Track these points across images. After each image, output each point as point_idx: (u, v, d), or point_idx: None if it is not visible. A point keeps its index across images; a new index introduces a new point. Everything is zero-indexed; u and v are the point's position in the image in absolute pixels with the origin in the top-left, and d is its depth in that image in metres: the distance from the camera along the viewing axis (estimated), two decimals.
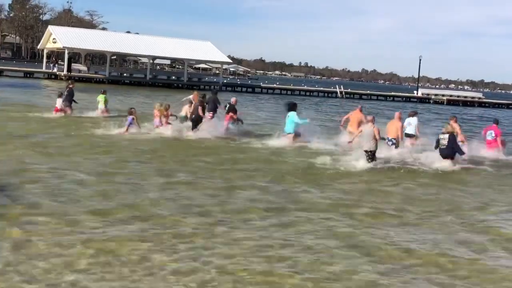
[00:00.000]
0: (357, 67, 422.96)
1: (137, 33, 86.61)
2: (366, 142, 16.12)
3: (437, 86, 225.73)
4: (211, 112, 20.98)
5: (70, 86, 24.18)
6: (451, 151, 16.48)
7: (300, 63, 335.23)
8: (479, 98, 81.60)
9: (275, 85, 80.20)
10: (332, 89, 75.14)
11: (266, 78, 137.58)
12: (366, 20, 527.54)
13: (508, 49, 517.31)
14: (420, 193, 13.22)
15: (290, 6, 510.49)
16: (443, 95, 79.77)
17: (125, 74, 71.59)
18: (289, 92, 72.13)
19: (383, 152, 17.10)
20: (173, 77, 74.42)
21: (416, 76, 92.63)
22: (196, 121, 19.97)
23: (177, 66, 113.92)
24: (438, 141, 16.73)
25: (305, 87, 78.54)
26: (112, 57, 69.55)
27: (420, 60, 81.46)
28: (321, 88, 77.89)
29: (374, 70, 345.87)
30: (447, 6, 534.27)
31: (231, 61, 78.08)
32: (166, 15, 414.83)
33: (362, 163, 15.77)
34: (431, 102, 74.22)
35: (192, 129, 19.97)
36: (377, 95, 77.38)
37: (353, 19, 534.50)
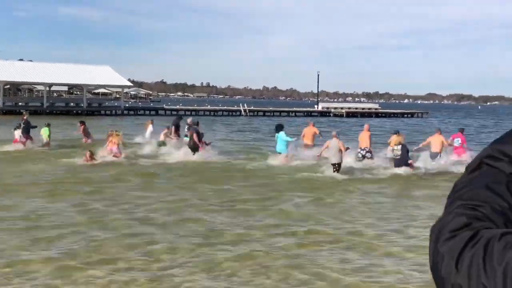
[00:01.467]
0: (258, 85, 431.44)
1: (31, 61, 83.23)
2: (333, 156, 17.77)
3: (335, 100, 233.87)
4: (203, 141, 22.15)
5: (25, 117, 24.65)
6: (404, 161, 18.08)
7: (202, 83, 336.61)
8: (376, 109, 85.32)
9: (178, 106, 79.61)
10: (236, 108, 75.69)
11: (169, 100, 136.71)
12: (265, 39, 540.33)
13: (400, 61, 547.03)
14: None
15: (189, 27, 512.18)
16: (342, 108, 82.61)
17: (20, 103, 68.22)
18: (193, 113, 71.71)
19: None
20: (72, 104, 71.89)
21: (315, 91, 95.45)
22: (194, 148, 21.30)
23: (75, 92, 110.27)
24: (392, 151, 18.49)
25: (209, 107, 78.58)
26: (6, 87, 66.00)
27: (318, 75, 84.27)
28: (226, 107, 78.28)
29: (275, 87, 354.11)
30: (343, 22, 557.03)
31: (131, 84, 76.95)
32: (62, 41, 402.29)
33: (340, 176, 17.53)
34: (331, 115, 76.56)
35: (193, 154, 21.17)
36: (280, 111, 78.79)
37: (253, 38, 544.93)
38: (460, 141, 21.35)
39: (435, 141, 20.52)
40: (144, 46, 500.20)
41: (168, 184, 16.19)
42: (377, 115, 79.37)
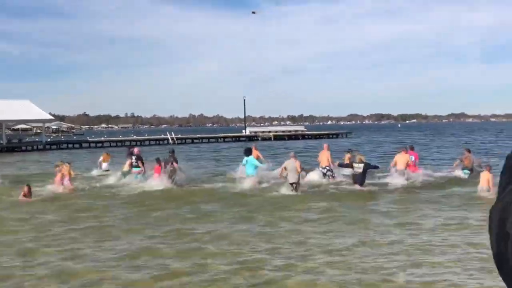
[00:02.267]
0: (184, 113, 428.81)
1: None
2: (291, 176, 18.79)
3: (262, 124, 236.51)
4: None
5: None
6: (363, 178, 19.39)
7: (127, 114, 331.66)
8: (302, 131, 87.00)
9: (103, 138, 77.91)
10: (162, 136, 74.88)
11: (93, 133, 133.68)
12: (189, 66, 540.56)
13: (322, 84, 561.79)
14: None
15: (111, 57, 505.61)
16: (269, 132, 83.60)
17: None
18: (119, 144, 70.34)
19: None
20: None
21: (242, 117, 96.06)
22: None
23: None
24: (348, 166, 20.24)
25: (135, 137, 77.36)
26: None
27: (244, 100, 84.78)
28: (152, 137, 77.28)
29: (201, 114, 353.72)
30: (266, 47, 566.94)
31: (52, 118, 74.39)
32: None
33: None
34: (259, 139, 77.17)
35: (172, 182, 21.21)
36: (208, 138, 78.64)
37: (176, 66, 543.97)
38: (413, 158, 22.36)
39: (400, 159, 21.59)
40: (65, 78, 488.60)
41: (161, 213, 15.96)
42: (304, 137, 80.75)
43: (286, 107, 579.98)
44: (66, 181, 20.64)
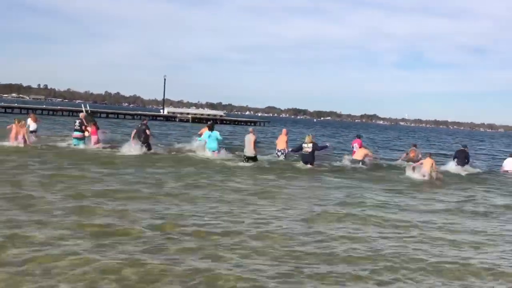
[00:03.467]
0: (100, 90, 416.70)
1: None
2: (247, 149, 20.41)
3: (179, 108, 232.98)
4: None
5: None
6: (312, 157, 20.53)
7: (39, 85, 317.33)
8: (221, 116, 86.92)
9: (15, 104, 74.57)
10: (77, 108, 72.56)
11: (2, 101, 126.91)
12: (108, 44, 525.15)
13: (242, 74, 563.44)
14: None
15: (27, 28, 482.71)
16: (188, 114, 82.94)
17: None
18: (30, 111, 67.43)
19: None
20: None
21: (159, 99, 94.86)
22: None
23: None
24: (300, 148, 20.99)
25: (49, 107, 74.60)
26: None
27: (164, 79, 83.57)
28: (65, 107, 74.74)
29: (118, 93, 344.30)
30: (187, 33, 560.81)
31: None
32: None
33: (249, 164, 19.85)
34: (177, 120, 76.51)
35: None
36: (124, 114, 77.11)
37: (96, 43, 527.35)
38: (358, 146, 24.29)
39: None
40: None
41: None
42: (222, 121, 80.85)
43: (205, 94, 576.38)
44: (20, 138, 21.30)
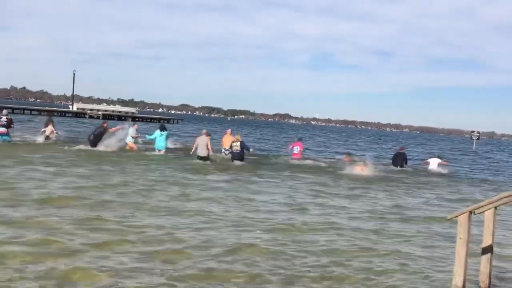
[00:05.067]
0: (5, 84, 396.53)
1: None
2: (200, 150, 21.34)
3: (89, 105, 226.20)
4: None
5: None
6: (241, 154, 21.81)
7: None
8: (133, 113, 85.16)
9: None
10: None
11: None
12: (12, 36, 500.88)
13: (154, 71, 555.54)
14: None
15: None
16: (98, 110, 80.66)
17: None
18: None
19: None
20: None
21: (68, 95, 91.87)
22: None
23: None
24: (231, 147, 22.21)
25: None
26: None
27: (74, 74, 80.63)
28: None
29: (24, 88, 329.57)
30: (96, 27, 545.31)
31: None
32: None
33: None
34: (87, 116, 74.21)
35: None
36: (31, 109, 73.92)
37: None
38: (299, 149, 25.59)
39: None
40: None
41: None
42: (134, 119, 79.18)
43: (116, 90, 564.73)
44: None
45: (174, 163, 20.36)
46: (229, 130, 25.45)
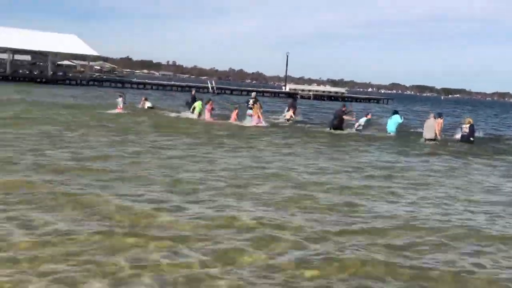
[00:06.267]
0: (224, 66, 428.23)
1: None
2: (426, 132, 21.92)
3: (301, 85, 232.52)
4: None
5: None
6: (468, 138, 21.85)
7: (168, 62, 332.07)
8: (342, 93, 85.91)
9: (146, 80, 78.72)
10: (204, 85, 75.18)
11: (134, 77, 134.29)
12: (233, 20, 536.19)
13: (364, 50, 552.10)
14: None
15: (156, 5, 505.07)
16: (309, 91, 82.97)
17: None
18: (160, 87, 71.04)
19: None
20: (36, 72, 69.64)
21: (281, 76, 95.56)
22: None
23: (38, 63, 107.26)
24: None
25: (177, 83, 77.96)
26: None
27: (287, 56, 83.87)
28: (193, 84, 77.64)
29: (241, 70, 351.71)
30: (307, 9, 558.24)
31: (97, 54, 74.71)
32: (24, 12, 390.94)
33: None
34: (299, 97, 76.66)
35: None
36: (248, 91, 78.64)
37: (220, 19, 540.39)
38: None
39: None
40: (111, 20, 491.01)
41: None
42: (344, 99, 79.88)
43: (327, 70, 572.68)
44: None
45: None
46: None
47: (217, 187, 10.29)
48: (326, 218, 8.48)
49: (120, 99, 28.66)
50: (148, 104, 31.91)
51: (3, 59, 66.82)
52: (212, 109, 26.99)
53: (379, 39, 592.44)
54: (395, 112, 25.26)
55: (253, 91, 78.38)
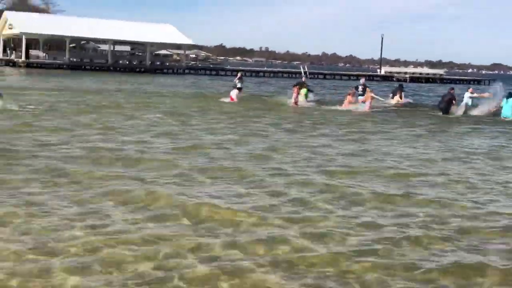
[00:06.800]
0: (317, 50, 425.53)
1: None
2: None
3: (396, 68, 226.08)
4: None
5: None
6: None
7: (261, 48, 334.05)
8: (441, 74, 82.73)
9: (240, 67, 79.66)
10: (296, 70, 75.02)
11: (228, 64, 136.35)
12: (322, 4, 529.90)
13: (462, 29, 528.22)
14: None
15: None
16: (405, 73, 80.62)
17: (85, 60, 69.15)
18: (253, 74, 71.68)
19: None
20: (135, 62, 72.43)
21: (375, 59, 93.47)
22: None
23: (137, 53, 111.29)
24: None
25: (270, 69, 78.39)
26: (71, 45, 66.84)
27: (382, 38, 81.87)
28: (285, 69, 77.79)
29: (334, 53, 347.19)
30: None
31: (193, 43, 76.47)
32: (122, 3, 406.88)
33: None
34: (394, 80, 74.77)
35: None
36: (341, 75, 77.69)
37: (309, 4, 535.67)
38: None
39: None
40: (202, 9, 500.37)
41: None
42: (442, 81, 76.96)
43: (423, 52, 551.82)
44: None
45: None
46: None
47: None
48: None
49: (237, 83, 28.63)
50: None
51: (105, 50, 70.18)
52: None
53: (473, 17, 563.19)
54: (511, 95, 23.60)
55: (345, 75, 77.96)
